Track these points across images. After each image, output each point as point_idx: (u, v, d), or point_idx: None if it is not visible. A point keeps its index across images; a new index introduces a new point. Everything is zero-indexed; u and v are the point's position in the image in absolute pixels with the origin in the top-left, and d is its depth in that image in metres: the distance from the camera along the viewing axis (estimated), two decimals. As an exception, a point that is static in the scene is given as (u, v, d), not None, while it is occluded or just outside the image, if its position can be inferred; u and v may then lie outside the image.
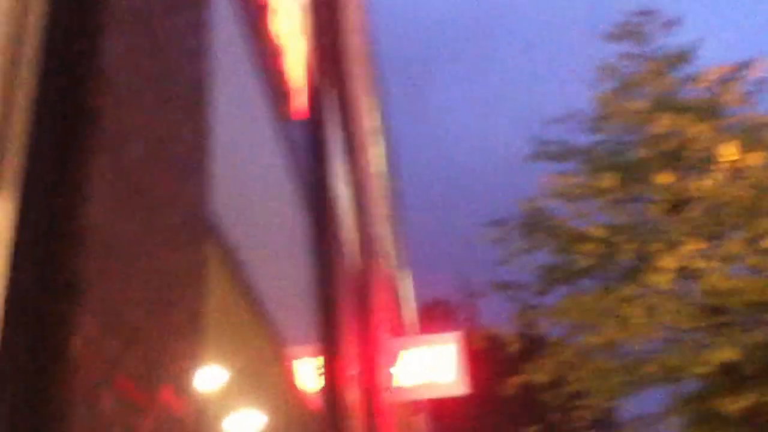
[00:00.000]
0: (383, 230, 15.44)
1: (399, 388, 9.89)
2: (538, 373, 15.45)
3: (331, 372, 6.35)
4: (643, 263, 13.85)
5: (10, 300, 1.40)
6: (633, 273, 14.14)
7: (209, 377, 4.21)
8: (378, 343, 10.09)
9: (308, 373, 5.61)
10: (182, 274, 2.10)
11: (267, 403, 5.23)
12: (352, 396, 7.42)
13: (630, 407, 16.42)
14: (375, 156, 15.16)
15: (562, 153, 16.53)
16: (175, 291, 2.03)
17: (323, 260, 6.62)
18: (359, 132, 11.69)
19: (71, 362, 1.43)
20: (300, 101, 6.25)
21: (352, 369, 7.65)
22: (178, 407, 1.91)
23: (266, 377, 4.78)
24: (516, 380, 15.89)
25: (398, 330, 15.13)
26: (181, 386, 1.97)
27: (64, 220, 1.55)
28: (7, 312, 1.38)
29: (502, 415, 22.73)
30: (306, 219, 6.22)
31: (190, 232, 2.21)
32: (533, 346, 16.96)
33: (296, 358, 5.13)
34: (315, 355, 5.97)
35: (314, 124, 7.19)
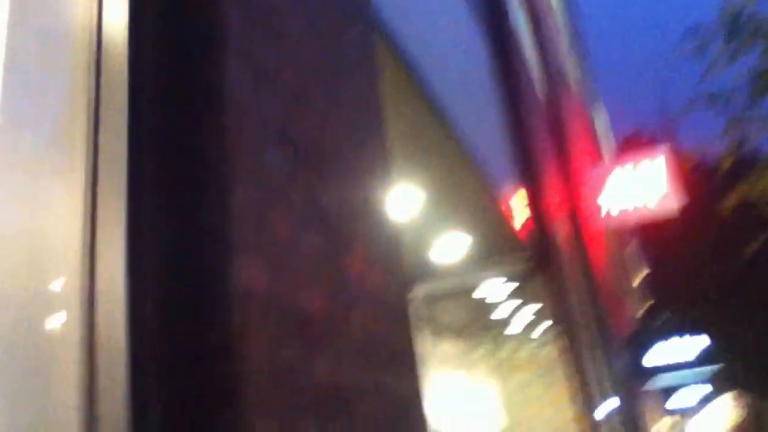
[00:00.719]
0: (569, 61, 14.76)
1: (607, 215, 9.67)
2: (757, 187, 14.42)
3: (534, 202, 6.27)
4: None
5: (159, 45, 1.37)
6: None
7: (403, 192, 4.22)
8: (579, 171, 9.84)
9: (513, 204, 5.56)
10: (347, 50, 2.05)
11: (471, 229, 5.26)
12: (559, 226, 7.33)
13: None
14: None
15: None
16: (342, 64, 1.98)
17: (511, 91, 6.43)
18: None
19: (230, 113, 1.37)
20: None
21: (555, 198, 7.53)
22: (354, 177, 1.88)
23: (469, 203, 4.77)
24: (732, 197, 14.96)
25: (598, 161, 14.66)
26: (357, 156, 1.94)
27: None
28: (154, 59, 1.36)
29: (718, 236, 21.74)
30: (488, 50, 6.02)
31: (353, 11, 2.15)
32: (747, 162, 15.79)
33: (499, 188, 5.08)
34: (516, 185, 5.90)
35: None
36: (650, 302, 20.54)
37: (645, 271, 21.63)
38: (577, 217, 9.01)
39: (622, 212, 9.68)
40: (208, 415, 1.15)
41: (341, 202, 1.75)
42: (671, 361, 11.85)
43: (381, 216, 2.04)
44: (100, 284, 1.13)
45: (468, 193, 4.66)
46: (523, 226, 5.80)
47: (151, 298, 1.16)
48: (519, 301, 6.81)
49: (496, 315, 7.00)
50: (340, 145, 1.84)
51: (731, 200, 14.94)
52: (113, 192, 1.18)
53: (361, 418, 1.54)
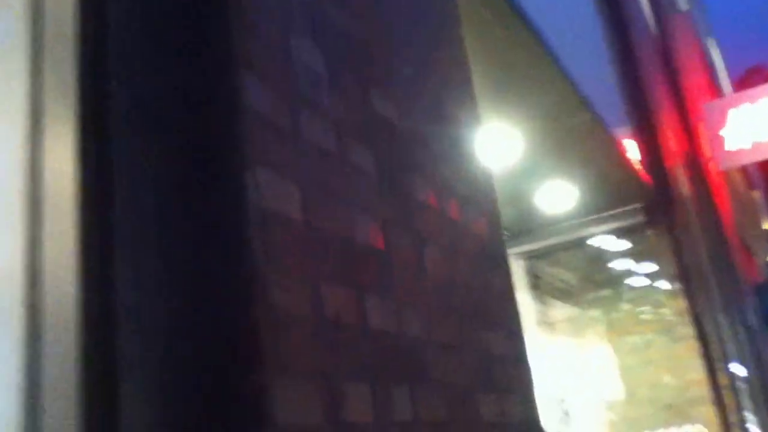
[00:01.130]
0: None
1: (728, 154, 8.92)
2: None
3: (649, 144, 5.79)
4: None
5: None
6: None
7: (501, 131, 3.84)
8: (696, 109, 9.14)
9: (626, 147, 5.10)
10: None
11: (580, 176, 4.84)
12: (678, 170, 6.81)
13: None
14: None
15: None
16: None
17: (619, 23, 5.93)
18: None
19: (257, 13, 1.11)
20: None
21: (672, 139, 6.98)
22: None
23: (577, 147, 4.35)
24: None
25: (716, 97, 13.69)
26: (425, 67, 1.65)
27: None
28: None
29: None
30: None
31: None
32: None
33: (610, 129, 4.64)
34: (629, 126, 5.43)
35: None
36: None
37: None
38: (697, 158, 8.36)
39: (745, 151, 8.91)
40: (223, 380, 0.86)
41: (402, 120, 1.44)
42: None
43: (462, 145, 1.74)
44: (48, 223, 0.88)
45: (575, 135, 4.23)
46: (639, 171, 5.34)
47: (123, 228, 0.88)
48: (636, 256, 6.36)
49: (611, 272, 6.57)
50: (398, 47, 1.53)
51: None
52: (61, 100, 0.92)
53: (438, 382, 1.24)
